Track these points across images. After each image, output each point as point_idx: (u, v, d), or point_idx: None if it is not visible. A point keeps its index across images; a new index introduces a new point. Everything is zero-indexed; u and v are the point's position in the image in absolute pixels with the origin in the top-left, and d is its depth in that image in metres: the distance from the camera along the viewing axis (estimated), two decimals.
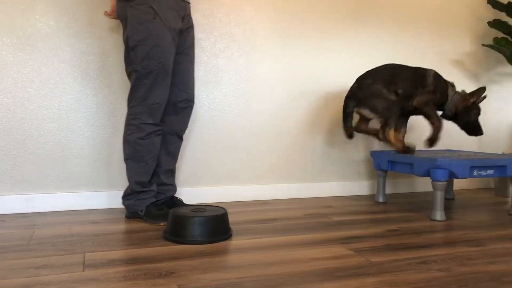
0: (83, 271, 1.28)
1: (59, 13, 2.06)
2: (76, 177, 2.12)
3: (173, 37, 1.80)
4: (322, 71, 2.55)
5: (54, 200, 2.08)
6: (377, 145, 2.70)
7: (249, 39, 2.39)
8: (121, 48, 2.15)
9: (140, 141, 1.82)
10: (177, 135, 1.99)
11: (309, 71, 2.52)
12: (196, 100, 2.30)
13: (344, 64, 2.59)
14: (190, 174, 2.30)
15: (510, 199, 2.55)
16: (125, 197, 1.90)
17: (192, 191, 2.30)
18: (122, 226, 1.81)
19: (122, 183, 2.19)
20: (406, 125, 2.30)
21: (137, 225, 1.83)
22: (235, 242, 1.60)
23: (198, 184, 2.32)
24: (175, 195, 2.07)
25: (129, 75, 1.85)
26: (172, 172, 2.03)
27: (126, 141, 1.84)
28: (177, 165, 2.07)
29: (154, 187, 1.91)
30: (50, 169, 2.08)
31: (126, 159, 1.86)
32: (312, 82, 2.53)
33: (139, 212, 1.87)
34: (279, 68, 2.46)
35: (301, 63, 2.50)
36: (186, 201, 2.27)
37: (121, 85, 2.17)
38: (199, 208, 1.71)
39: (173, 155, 2.01)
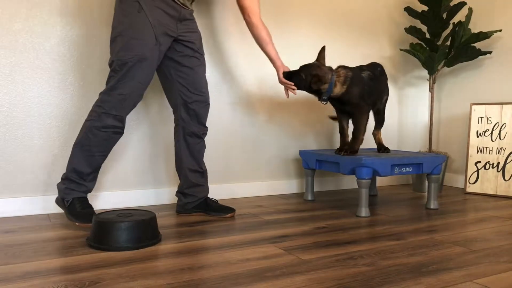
0: None
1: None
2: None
3: (158, 35, 1.75)
4: (252, 72, 2.56)
5: None
6: (305, 144, 2.76)
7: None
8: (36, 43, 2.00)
9: (95, 131, 1.73)
10: (196, 136, 1.99)
11: (241, 72, 2.52)
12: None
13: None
14: (117, 177, 2.20)
15: (426, 194, 2.74)
16: (62, 180, 1.79)
17: (119, 194, 2.20)
18: (40, 234, 1.68)
19: (41, 188, 2.04)
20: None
21: (57, 233, 1.70)
22: (164, 246, 1.55)
23: (126, 187, 2.22)
24: (209, 196, 2.05)
25: (109, 65, 1.77)
26: (200, 173, 2.03)
27: (84, 126, 1.76)
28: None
29: (90, 184, 1.80)
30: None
31: (75, 144, 1.76)
32: (242, 81, 2.53)
33: (65, 202, 1.76)
34: (211, 68, 2.43)
35: (233, 63, 2.49)
36: (116, 205, 2.17)
37: (38, 82, 2.01)
38: (125, 213, 1.64)
39: (196, 155, 2.01)
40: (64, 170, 2.07)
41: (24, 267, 1.31)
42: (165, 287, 1.17)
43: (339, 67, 2.20)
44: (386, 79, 2.36)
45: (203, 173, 2.05)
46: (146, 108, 2.27)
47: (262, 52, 2.45)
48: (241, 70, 2.53)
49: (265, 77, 2.61)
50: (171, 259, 1.41)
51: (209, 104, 2.02)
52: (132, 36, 1.71)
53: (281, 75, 2.13)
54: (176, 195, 2.09)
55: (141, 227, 1.54)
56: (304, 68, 2.14)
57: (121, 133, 1.80)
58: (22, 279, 1.22)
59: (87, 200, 1.80)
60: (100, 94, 1.76)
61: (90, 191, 1.81)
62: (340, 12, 2.85)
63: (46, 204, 2.04)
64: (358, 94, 2.15)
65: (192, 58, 1.93)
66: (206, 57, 2.40)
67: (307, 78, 2.11)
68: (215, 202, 2.08)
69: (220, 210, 2.03)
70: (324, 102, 2.18)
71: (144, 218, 1.57)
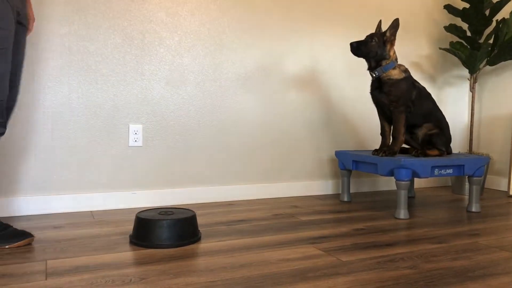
0: (46, 279, 1.21)
1: None
2: (34, 180, 2.02)
3: (15, 20, 1.48)
4: (286, 71, 2.56)
5: (10, 204, 1.97)
6: (340, 145, 2.74)
7: (214, 38, 2.37)
8: (81, 45, 2.07)
9: None
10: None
11: (273, 71, 2.52)
12: (161, 100, 2.25)
13: (308, 63, 2.62)
14: (154, 176, 2.25)
15: (466, 197, 2.67)
16: None
17: (156, 193, 2.24)
18: (85, 230, 1.74)
19: (84, 186, 2.11)
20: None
21: (102, 229, 1.76)
22: (204, 245, 1.58)
23: (161, 186, 2.27)
24: None
25: None
26: None
27: None
28: (140, 167, 2.02)
29: None
30: (5, 172, 1.97)
31: None
32: (276, 81, 2.54)
33: None
34: (244, 67, 2.45)
35: (265, 63, 2.50)
36: (152, 204, 2.22)
37: (82, 83, 2.08)
38: (166, 211, 1.67)
39: None
40: (109, 169, 2.13)
41: (73, 262, 1.36)
42: (208, 285, 1.19)
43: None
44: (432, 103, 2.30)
45: None
46: None
47: (297, 50, 2.45)
48: (277, 69, 2.53)
49: (301, 76, 2.60)
50: (212, 257, 1.43)
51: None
52: None
53: None
54: None
55: (182, 225, 1.57)
56: None
57: None
58: (72, 273, 1.27)
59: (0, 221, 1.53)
60: None
61: None
62: (375, 10, 2.81)
63: (89, 201, 2.11)
64: (405, 90, 2.13)
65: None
66: (243, 60, 2.43)
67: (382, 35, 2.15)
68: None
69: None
70: (375, 75, 2.17)
71: (185, 216, 1.60)
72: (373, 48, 2.12)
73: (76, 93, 2.08)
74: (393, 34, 2.14)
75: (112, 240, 1.61)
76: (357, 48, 2.15)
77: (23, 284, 1.17)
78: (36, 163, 2.02)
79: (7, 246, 1.50)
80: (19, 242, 1.51)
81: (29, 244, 1.54)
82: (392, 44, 2.16)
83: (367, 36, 2.16)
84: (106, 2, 2.11)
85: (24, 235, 1.54)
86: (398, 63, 2.20)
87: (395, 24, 2.12)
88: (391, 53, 2.16)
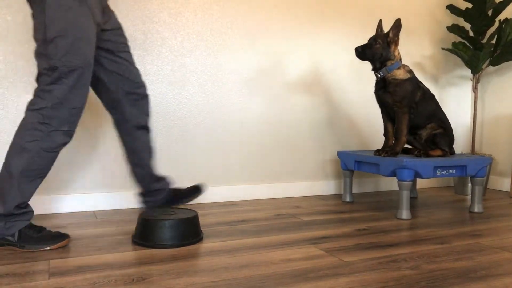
0: (48, 279, 1.22)
1: (17, 9, 1.96)
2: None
3: (96, 32, 1.54)
4: (289, 71, 2.56)
5: None
6: (342, 145, 2.74)
7: (216, 38, 2.37)
8: None
9: (44, 153, 1.45)
10: (143, 128, 1.76)
11: (276, 71, 2.53)
12: (163, 100, 2.26)
13: (311, 63, 2.62)
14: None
15: (469, 197, 2.66)
16: None
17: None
18: (88, 230, 1.74)
19: (87, 186, 2.11)
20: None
21: (105, 229, 1.77)
22: (206, 245, 1.58)
23: None
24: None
25: (42, 72, 1.46)
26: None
27: (22, 150, 1.43)
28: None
29: (30, 206, 1.53)
30: None
31: (16, 173, 1.43)
32: (279, 82, 2.54)
33: (9, 238, 1.47)
34: (247, 68, 2.45)
35: (268, 64, 2.50)
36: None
37: None
38: (169, 211, 1.68)
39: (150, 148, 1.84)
40: (114, 168, 2.14)
41: (76, 262, 1.37)
42: (210, 285, 1.20)
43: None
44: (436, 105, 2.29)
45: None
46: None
47: (300, 51, 2.45)
48: (280, 70, 2.54)
49: (304, 76, 2.60)
50: (214, 257, 1.43)
51: (147, 92, 1.77)
52: (78, 37, 1.44)
53: None
54: (143, 200, 1.85)
55: (185, 225, 1.58)
56: None
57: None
58: (75, 272, 1.27)
59: (34, 224, 1.54)
60: (39, 108, 1.44)
61: (32, 212, 1.54)
62: (377, 11, 2.81)
63: (92, 201, 2.11)
64: (409, 91, 2.13)
65: (124, 52, 1.69)
66: (237, 57, 2.43)
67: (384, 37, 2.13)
68: (180, 189, 1.88)
69: (192, 193, 1.86)
70: (379, 76, 2.16)
71: (187, 216, 1.60)
72: (378, 51, 2.12)
73: None
74: (396, 35, 2.14)
75: (115, 240, 1.62)
76: (363, 53, 2.14)
77: (26, 284, 1.18)
78: None
79: (48, 248, 1.49)
80: (58, 244, 1.51)
81: (66, 245, 1.54)
82: (396, 44, 2.15)
83: (370, 39, 2.16)
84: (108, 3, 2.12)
85: (62, 236, 1.54)
86: (403, 63, 2.20)
87: (398, 24, 2.12)
88: (396, 54, 2.16)
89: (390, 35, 2.13)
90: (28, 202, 1.50)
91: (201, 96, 2.34)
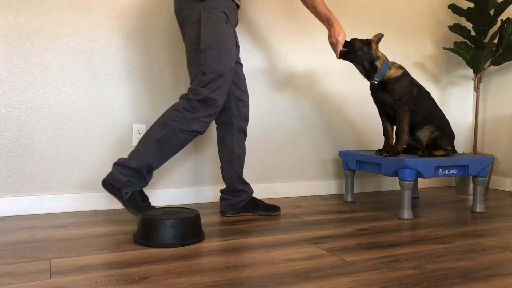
0: (50, 278, 1.22)
1: (19, 8, 1.96)
2: (38, 180, 2.03)
3: (236, 44, 1.85)
4: (290, 71, 2.56)
5: (14, 204, 1.98)
6: (344, 145, 2.74)
7: None
8: (86, 46, 2.08)
9: (179, 133, 1.76)
10: (243, 132, 2.02)
11: (277, 71, 2.52)
12: (165, 100, 2.26)
13: (312, 63, 2.62)
14: (158, 176, 2.25)
15: (470, 197, 2.66)
16: (121, 167, 1.76)
17: (162, 192, 2.25)
18: (89, 230, 1.74)
19: (88, 186, 2.11)
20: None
21: (106, 228, 1.77)
22: (207, 244, 1.58)
23: (166, 185, 2.28)
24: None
25: (194, 77, 1.79)
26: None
27: (165, 124, 1.76)
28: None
29: (150, 178, 1.83)
30: (10, 171, 1.98)
31: (155, 140, 1.75)
32: (280, 81, 2.54)
33: (123, 193, 1.76)
34: (249, 68, 2.45)
35: (268, 63, 2.50)
36: (155, 204, 2.23)
37: (85, 83, 2.09)
38: (170, 211, 1.68)
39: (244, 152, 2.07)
40: (109, 168, 2.14)
41: (78, 261, 1.37)
42: (211, 285, 1.19)
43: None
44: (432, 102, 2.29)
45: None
46: None
47: (301, 49, 2.45)
48: (281, 69, 2.53)
49: (305, 76, 2.60)
50: (216, 257, 1.43)
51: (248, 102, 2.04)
52: (224, 49, 1.76)
53: (338, 34, 2.02)
54: (223, 196, 2.05)
55: (186, 225, 1.58)
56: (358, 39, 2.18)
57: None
58: (76, 272, 1.27)
59: (144, 192, 1.83)
60: (186, 99, 1.77)
61: (147, 185, 1.83)
62: (379, 10, 2.81)
63: (94, 201, 2.11)
64: (407, 87, 2.13)
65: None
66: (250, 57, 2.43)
67: (363, 45, 2.13)
68: (260, 200, 2.09)
69: (268, 209, 2.06)
70: (376, 82, 2.15)
71: (189, 215, 1.60)
72: (358, 45, 2.12)
73: (80, 93, 2.09)
74: (376, 43, 2.16)
75: (116, 239, 1.62)
76: (345, 54, 2.13)
77: (27, 283, 1.18)
78: (41, 162, 2.03)
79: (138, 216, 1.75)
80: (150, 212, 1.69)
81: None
82: (377, 46, 2.15)
83: (351, 39, 2.17)
84: (110, 2, 2.12)
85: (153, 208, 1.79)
86: (391, 61, 2.20)
87: (380, 36, 2.16)
88: (379, 54, 2.15)
89: (372, 38, 2.15)
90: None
91: None
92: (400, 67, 2.18)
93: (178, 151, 1.82)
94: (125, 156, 2.14)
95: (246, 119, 2.01)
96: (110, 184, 1.77)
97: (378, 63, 2.13)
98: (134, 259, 1.39)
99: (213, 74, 1.75)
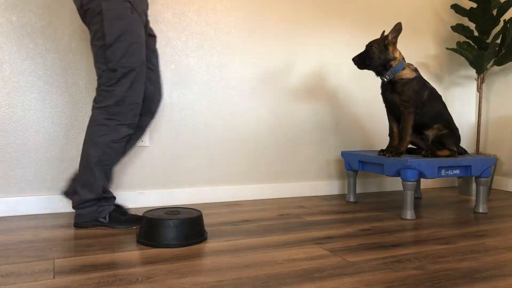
0: (53, 278, 1.22)
1: (22, 8, 1.97)
2: (42, 180, 2.04)
3: (145, 33, 1.76)
4: (293, 71, 2.56)
5: (17, 204, 1.98)
6: (346, 145, 2.74)
7: (220, 38, 2.37)
8: (88, 45, 2.08)
9: (113, 144, 1.70)
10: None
11: (280, 71, 2.53)
12: (166, 99, 2.26)
13: (315, 64, 2.62)
14: (160, 176, 2.26)
15: (473, 197, 2.65)
16: (83, 203, 1.72)
17: (163, 193, 2.25)
18: (92, 230, 1.75)
19: None
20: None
21: (109, 228, 1.77)
22: (210, 244, 1.58)
23: (168, 185, 2.28)
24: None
25: (102, 74, 1.68)
26: None
27: (95, 144, 1.69)
28: (147, 167, 2.03)
29: (111, 192, 1.80)
30: (14, 171, 1.99)
31: (94, 164, 1.69)
32: (283, 82, 2.54)
33: (102, 220, 1.75)
34: (251, 67, 2.45)
35: (272, 64, 2.50)
36: (158, 204, 2.23)
37: (88, 83, 2.10)
38: (173, 211, 1.68)
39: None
40: (117, 167, 2.14)
41: (81, 261, 1.37)
42: (214, 285, 1.20)
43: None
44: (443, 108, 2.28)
45: None
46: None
47: (304, 51, 2.44)
48: (284, 70, 2.54)
49: (309, 76, 2.60)
50: (218, 257, 1.43)
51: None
52: (132, 41, 1.65)
53: None
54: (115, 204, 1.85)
55: (189, 225, 1.58)
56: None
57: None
58: (80, 272, 1.27)
59: (120, 206, 1.82)
60: (103, 105, 1.68)
61: (113, 195, 1.80)
62: (381, 10, 2.80)
63: None
64: (417, 90, 2.12)
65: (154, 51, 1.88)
66: (246, 59, 2.43)
67: (380, 53, 2.11)
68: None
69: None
70: (386, 79, 2.15)
71: (191, 216, 1.61)
72: (375, 55, 2.11)
73: (83, 93, 2.10)
74: (395, 38, 2.13)
75: (119, 239, 1.62)
76: (361, 62, 2.13)
77: (31, 283, 1.18)
78: (44, 162, 2.04)
79: (135, 227, 1.76)
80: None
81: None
82: (394, 45, 2.14)
83: (367, 46, 2.15)
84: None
85: (141, 218, 1.66)
86: (407, 62, 2.19)
87: (398, 28, 2.10)
88: (396, 54, 2.14)
89: (389, 38, 2.11)
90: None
91: (204, 96, 2.35)
92: (415, 70, 2.17)
93: (121, 158, 1.81)
94: (129, 157, 2.15)
95: (152, 116, 1.93)
96: (83, 223, 1.75)
97: (393, 63, 2.13)
98: (137, 259, 1.40)
99: (123, 69, 1.65)
